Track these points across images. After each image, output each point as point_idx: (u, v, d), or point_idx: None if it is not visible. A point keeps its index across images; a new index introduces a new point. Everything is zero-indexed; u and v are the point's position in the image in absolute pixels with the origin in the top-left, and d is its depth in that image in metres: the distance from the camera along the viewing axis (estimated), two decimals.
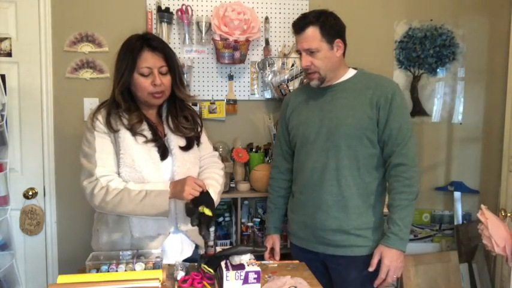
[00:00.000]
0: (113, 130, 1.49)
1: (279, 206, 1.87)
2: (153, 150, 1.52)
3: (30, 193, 2.26)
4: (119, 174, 1.49)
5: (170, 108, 1.63)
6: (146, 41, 1.52)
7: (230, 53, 2.30)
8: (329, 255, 1.68)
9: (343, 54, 1.68)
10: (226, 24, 2.26)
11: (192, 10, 2.32)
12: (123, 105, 1.51)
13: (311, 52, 1.60)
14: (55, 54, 2.27)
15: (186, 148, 1.60)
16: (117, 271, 1.35)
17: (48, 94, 2.26)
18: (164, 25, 2.29)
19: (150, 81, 1.49)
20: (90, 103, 2.32)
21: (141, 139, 1.51)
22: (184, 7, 2.28)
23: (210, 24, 2.29)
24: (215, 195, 1.55)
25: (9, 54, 2.20)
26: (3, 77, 2.17)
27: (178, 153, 1.58)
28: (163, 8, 2.30)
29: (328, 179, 1.64)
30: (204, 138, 1.73)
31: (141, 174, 1.48)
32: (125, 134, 1.50)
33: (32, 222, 2.27)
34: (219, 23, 2.25)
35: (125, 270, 1.35)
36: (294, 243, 1.80)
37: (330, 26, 1.60)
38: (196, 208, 1.42)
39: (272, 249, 1.83)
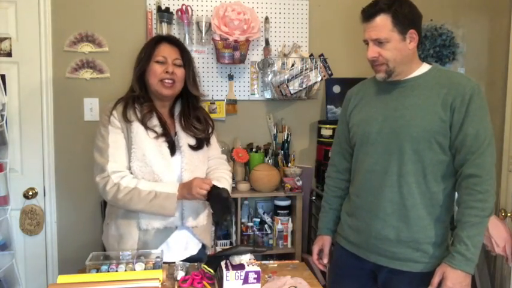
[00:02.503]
0: (127, 120, 1.55)
1: (333, 206, 1.72)
2: (163, 146, 1.57)
3: (30, 193, 2.26)
4: (130, 168, 1.54)
5: (183, 107, 1.68)
6: (165, 37, 1.67)
7: (230, 53, 2.30)
8: (381, 266, 1.51)
9: (417, 47, 1.49)
10: (226, 24, 2.26)
11: (192, 10, 2.32)
12: (138, 92, 1.60)
13: (379, 42, 1.44)
14: (55, 54, 2.27)
15: (195, 148, 1.64)
16: (117, 271, 1.35)
17: (48, 94, 2.26)
18: (164, 25, 2.29)
19: (164, 68, 1.57)
20: (90, 103, 2.32)
21: (152, 134, 1.56)
22: (184, 7, 2.28)
23: (210, 24, 2.29)
24: (228, 186, 1.62)
25: (9, 54, 2.19)
26: (3, 77, 2.17)
27: (187, 151, 1.61)
28: (163, 8, 2.30)
29: (389, 185, 1.47)
30: (213, 139, 1.77)
31: (152, 168, 1.52)
32: (137, 129, 1.54)
33: (32, 222, 2.27)
34: (219, 23, 2.25)
35: (125, 270, 1.36)
36: (343, 247, 1.64)
37: (404, 14, 1.42)
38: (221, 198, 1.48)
39: (320, 251, 1.72)
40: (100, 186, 1.51)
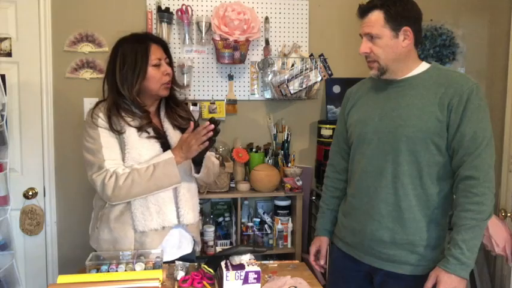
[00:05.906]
0: (117, 132, 1.52)
1: (331, 207, 1.71)
2: (156, 146, 1.57)
3: (30, 193, 2.26)
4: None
5: (168, 104, 1.69)
6: (147, 36, 1.63)
7: (230, 53, 2.30)
8: (377, 268, 1.50)
9: (416, 45, 1.47)
10: (226, 24, 2.26)
11: (192, 10, 2.32)
12: (138, 103, 1.55)
13: (371, 38, 1.43)
14: (55, 54, 2.27)
15: None
16: (117, 271, 1.35)
17: (48, 94, 2.26)
18: (164, 25, 2.29)
19: (162, 71, 1.56)
20: (90, 103, 2.31)
21: (144, 134, 1.56)
22: (184, 7, 2.28)
23: (210, 24, 2.29)
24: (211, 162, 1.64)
25: (9, 54, 2.20)
26: (3, 77, 2.17)
27: None
28: (163, 8, 2.30)
29: (384, 186, 1.45)
30: None
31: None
32: (129, 131, 1.53)
33: (32, 222, 2.27)
34: (219, 23, 2.26)
35: (125, 270, 1.36)
36: (339, 248, 1.63)
37: (397, 11, 1.41)
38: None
39: (318, 252, 1.71)
40: (98, 182, 1.48)
